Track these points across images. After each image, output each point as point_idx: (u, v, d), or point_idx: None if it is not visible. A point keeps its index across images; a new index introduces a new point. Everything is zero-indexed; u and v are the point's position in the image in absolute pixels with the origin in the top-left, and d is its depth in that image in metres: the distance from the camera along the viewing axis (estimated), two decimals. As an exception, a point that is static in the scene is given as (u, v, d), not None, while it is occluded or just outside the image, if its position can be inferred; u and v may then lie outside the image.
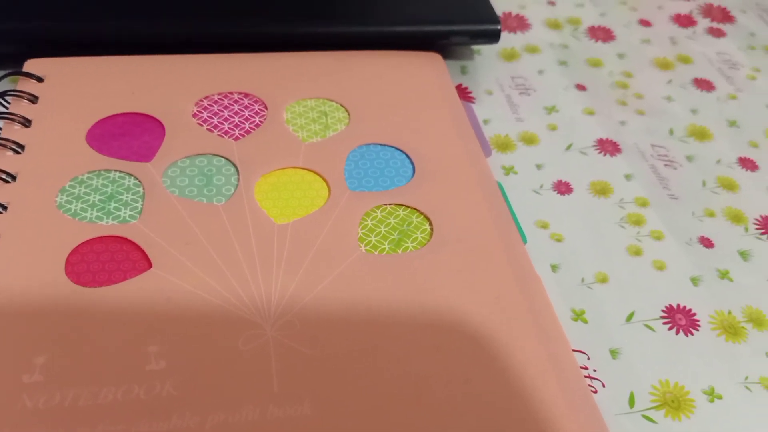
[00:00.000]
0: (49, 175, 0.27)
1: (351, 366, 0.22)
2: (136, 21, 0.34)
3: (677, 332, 0.27)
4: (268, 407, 0.21)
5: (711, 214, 0.32)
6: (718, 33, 0.44)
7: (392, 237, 0.27)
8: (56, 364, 0.22)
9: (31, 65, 0.32)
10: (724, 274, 0.29)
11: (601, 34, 0.43)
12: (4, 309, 0.23)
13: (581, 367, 0.25)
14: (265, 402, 0.21)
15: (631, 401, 0.24)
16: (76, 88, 0.31)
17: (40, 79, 0.31)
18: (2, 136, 0.28)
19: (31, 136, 0.29)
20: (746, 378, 0.26)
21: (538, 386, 0.22)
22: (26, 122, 0.29)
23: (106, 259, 0.25)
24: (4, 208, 0.26)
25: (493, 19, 0.37)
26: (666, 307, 0.28)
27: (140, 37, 0.34)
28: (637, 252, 0.30)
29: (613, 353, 0.26)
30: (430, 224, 0.27)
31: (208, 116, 0.31)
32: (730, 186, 0.33)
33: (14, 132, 0.29)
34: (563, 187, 0.32)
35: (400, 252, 0.26)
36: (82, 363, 0.22)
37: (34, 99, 0.30)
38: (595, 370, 0.25)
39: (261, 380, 0.22)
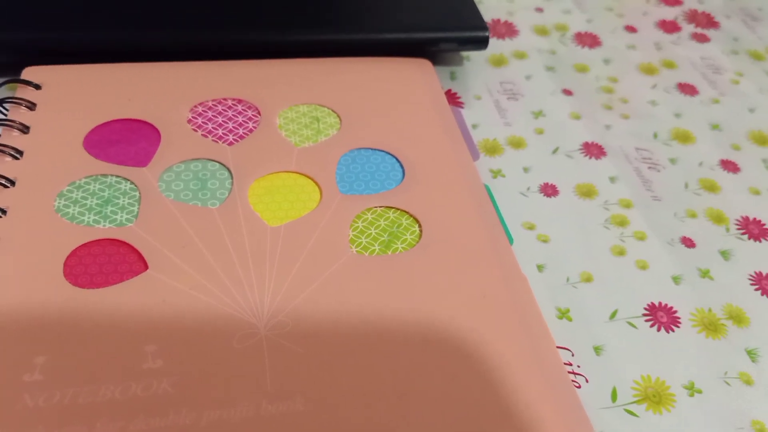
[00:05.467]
0: (47, 180, 0.28)
1: (341, 363, 0.23)
2: (132, 29, 0.35)
3: (659, 329, 0.28)
4: (262, 403, 0.22)
5: (693, 215, 0.33)
6: (702, 38, 0.45)
7: (382, 239, 0.28)
8: (56, 364, 0.22)
9: (29, 73, 0.33)
10: (705, 273, 0.30)
11: (588, 40, 0.44)
12: (4, 310, 0.23)
13: (565, 363, 0.26)
14: (258, 398, 0.22)
15: (614, 396, 0.25)
16: (73, 95, 0.32)
17: (38, 87, 0.32)
18: (1, 142, 0.29)
19: (29, 143, 0.29)
20: (725, 373, 0.26)
21: (523, 382, 0.23)
22: (25, 129, 0.30)
23: (104, 261, 0.26)
24: (4, 212, 0.26)
25: (482, 26, 0.38)
26: (648, 305, 0.28)
27: (136, 45, 0.35)
28: (621, 252, 0.30)
29: (597, 350, 0.27)
30: (420, 226, 0.28)
31: (202, 122, 0.32)
32: (711, 188, 0.34)
33: (13, 138, 0.29)
34: (550, 190, 0.33)
35: (390, 253, 0.27)
36: (80, 362, 0.22)
37: (32, 106, 0.31)
38: (579, 366, 0.26)
39: (255, 378, 0.23)
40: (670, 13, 0.47)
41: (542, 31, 0.44)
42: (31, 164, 0.29)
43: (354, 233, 0.28)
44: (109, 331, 0.23)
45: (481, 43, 0.38)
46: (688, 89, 0.41)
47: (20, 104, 0.31)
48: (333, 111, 0.33)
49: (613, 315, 0.28)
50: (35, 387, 0.22)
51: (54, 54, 0.34)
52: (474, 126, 0.36)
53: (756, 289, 0.30)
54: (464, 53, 0.41)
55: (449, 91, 0.38)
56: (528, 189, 0.33)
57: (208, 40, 0.35)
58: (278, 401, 0.22)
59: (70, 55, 0.34)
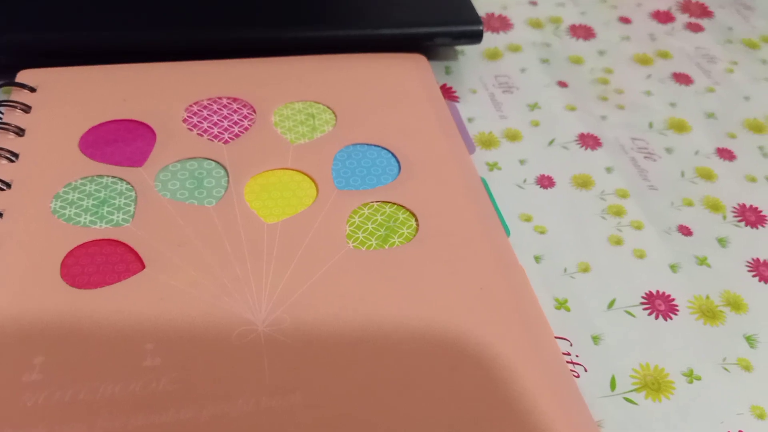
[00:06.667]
0: (43, 181, 0.28)
1: (340, 358, 0.23)
2: (126, 30, 0.35)
3: (657, 317, 0.28)
4: (262, 398, 0.22)
5: (689, 204, 0.33)
6: (696, 28, 0.45)
7: (379, 233, 0.28)
8: (55, 363, 0.22)
9: (23, 76, 0.33)
10: (702, 261, 0.30)
11: (582, 32, 0.44)
12: (2, 312, 0.24)
13: (564, 353, 0.26)
14: (258, 394, 0.22)
15: (613, 384, 0.25)
16: (68, 97, 0.32)
17: (32, 89, 0.32)
18: (-3, 145, 0.29)
19: (25, 145, 0.29)
20: (724, 359, 0.26)
21: (522, 372, 0.23)
22: (20, 131, 0.30)
23: (101, 261, 0.26)
24: (0, 215, 0.27)
25: (476, 20, 0.38)
26: (646, 293, 0.28)
27: (130, 46, 0.35)
28: (618, 241, 0.30)
29: (595, 339, 0.27)
30: (416, 220, 0.28)
31: (198, 121, 0.32)
32: (707, 176, 0.34)
33: (8, 141, 0.30)
34: (546, 181, 0.33)
35: (387, 247, 0.27)
36: (79, 361, 0.22)
37: (27, 109, 0.31)
38: (577, 356, 0.26)
39: (254, 373, 0.23)
40: (663, 3, 0.47)
41: (536, 24, 0.44)
42: (26, 166, 0.29)
43: (351, 228, 0.28)
44: (108, 330, 0.23)
45: (476, 37, 0.38)
46: (682, 79, 0.41)
47: (15, 107, 0.31)
48: (328, 107, 0.33)
49: (611, 304, 0.28)
50: (35, 386, 0.22)
51: (48, 56, 0.34)
52: (470, 119, 0.36)
53: (753, 276, 0.30)
54: (459, 47, 0.41)
55: (444, 85, 0.38)
56: (524, 181, 0.33)
57: (201, 39, 0.35)
58: (277, 396, 0.22)
59: (64, 56, 0.34)
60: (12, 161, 0.29)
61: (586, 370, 0.26)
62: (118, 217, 0.27)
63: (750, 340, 0.27)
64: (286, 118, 0.32)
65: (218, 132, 0.31)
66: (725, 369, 0.26)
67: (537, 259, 0.30)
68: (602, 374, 0.26)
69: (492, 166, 0.34)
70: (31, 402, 0.21)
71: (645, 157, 0.35)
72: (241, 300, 0.25)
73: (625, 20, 0.45)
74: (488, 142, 0.35)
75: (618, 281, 0.29)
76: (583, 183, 0.33)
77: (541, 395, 0.23)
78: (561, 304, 0.28)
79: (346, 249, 0.27)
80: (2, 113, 0.31)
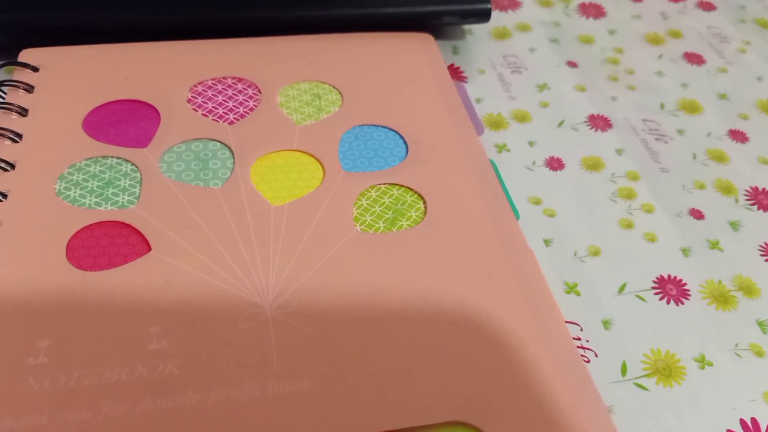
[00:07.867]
0: (47, 162, 0.28)
1: (348, 342, 0.23)
2: (130, 9, 0.34)
3: (668, 302, 0.27)
4: (268, 383, 0.22)
5: (701, 186, 0.32)
6: (708, 7, 0.45)
7: (387, 216, 0.27)
8: (60, 347, 0.22)
9: (26, 55, 0.32)
10: (714, 245, 0.30)
11: (592, 10, 0.43)
12: (7, 295, 0.23)
13: (574, 338, 0.26)
14: (265, 378, 0.22)
15: (624, 370, 0.25)
16: (71, 77, 0.32)
17: (35, 69, 0.32)
18: (0, 125, 0.29)
19: (28, 125, 0.29)
20: (736, 345, 0.26)
21: (532, 357, 0.23)
22: (23, 111, 0.30)
23: (106, 243, 0.25)
24: (4, 196, 0.26)
25: (484, -2, 0.37)
26: (657, 278, 0.28)
27: (134, 25, 0.34)
28: (629, 225, 0.30)
29: (606, 324, 0.26)
30: (424, 203, 0.28)
31: (202, 101, 0.31)
32: (720, 158, 0.34)
33: (11, 121, 0.29)
34: (555, 163, 0.33)
35: (394, 230, 0.27)
36: (85, 344, 0.22)
37: (30, 88, 0.31)
38: (587, 341, 0.26)
39: (261, 358, 0.22)
40: (675, -19, 0.47)
41: (545, 3, 0.43)
42: (30, 147, 0.28)
43: (358, 211, 0.27)
44: (114, 313, 0.23)
45: (484, 16, 0.37)
46: (694, 59, 0.40)
47: (18, 87, 0.30)
48: (334, 88, 0.33)
49: (621, 288, 0.28)
50: (40, 370, 0.21)
51: (51, 35, 0.33)
52: (478, 100, 0.36)
53: (766, 260, 0.29)
54: (466, 27, 0.40)
55: (452, 65, 0.38)
56: (534, 163, 0.33)
57: (206, 18, 0.35)
58: (284, 381, 0.22)
59: (67, 36, 0.33)
60: (16, 142, 0.28)
61: (596, 355, 0.25)
62: (123, 198, 0.27)
63: (762, 326, 0.27)
64: (291, 98, 0.32)
65: (223, 112, 0.31)
66: (737, 355, 0.26)
67: (547, 242, 0.29)
68: (613, 359, 0.25)
69: (501, 148, 0.33)
70: (37, 386, 0.21)
71: (656, 139, 0.35)
72: (248, 283, 0.24)
73: (636, -1, 0.45)
74: (497, 124, 0.35)
75: (629, 265, 0.28)
76: (593, 165, 0.33)
77: (551, 380, 0.22)
78: (571, 288, 0.28)
79: (354, 232, 0.26)
80: (5, 93, 0.30)
